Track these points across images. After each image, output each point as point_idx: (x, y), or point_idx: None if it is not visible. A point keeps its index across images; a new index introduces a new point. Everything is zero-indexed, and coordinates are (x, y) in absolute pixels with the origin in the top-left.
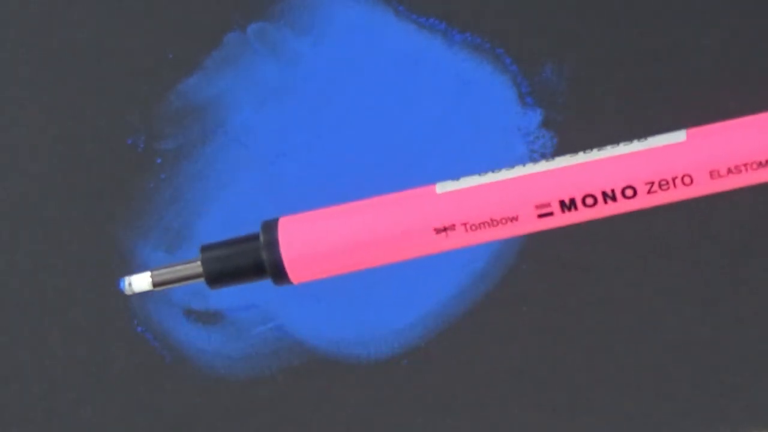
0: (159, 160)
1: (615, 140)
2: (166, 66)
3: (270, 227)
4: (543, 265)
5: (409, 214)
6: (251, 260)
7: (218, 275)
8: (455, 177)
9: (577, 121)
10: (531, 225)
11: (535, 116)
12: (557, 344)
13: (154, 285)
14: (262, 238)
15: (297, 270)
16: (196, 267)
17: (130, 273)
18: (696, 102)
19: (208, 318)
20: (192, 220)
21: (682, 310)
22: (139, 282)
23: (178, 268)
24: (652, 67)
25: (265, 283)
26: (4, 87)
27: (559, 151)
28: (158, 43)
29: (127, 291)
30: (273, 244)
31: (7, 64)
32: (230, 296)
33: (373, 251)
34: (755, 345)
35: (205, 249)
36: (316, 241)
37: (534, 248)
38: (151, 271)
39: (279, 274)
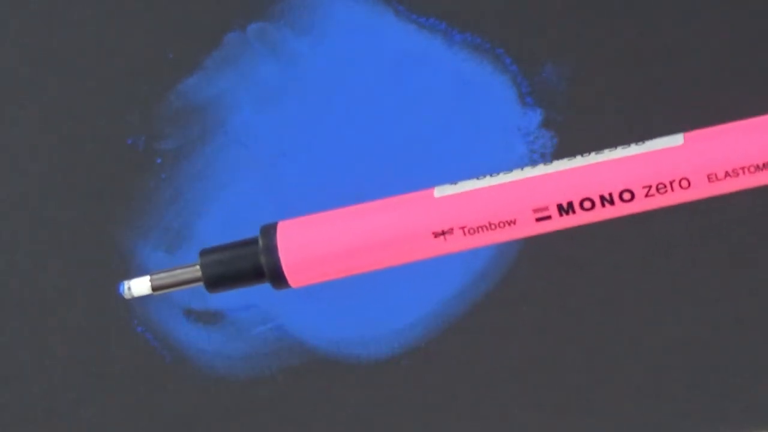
0: (159, 160)
1: (615, 140)
2: (166, 66)
3: (269, 231)
4: (543, 265)
5: (407, 218)
6: (250, 265)
7: (217, 279)
8: (455, 177)
9: (577, 121)
10: (529, 229)
11: (535, 116)
12: (557, 344)
13: (154, 289)
14: (260, 242)
15: (296, 274)
16: (195, 271)
17: (129, 273)
18: (696, 102)
19: (208, 318)
20: (192, 220)
21: (682, 310)
22: (139, 286)
23: (177, 272)
24: (652, 68)
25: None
26: (4, 87)
27: (559, 151)
28: (158, 43)
29: (127, 295)
30: (272, 249)
31: (7, 64)
32: (230, 296)
33: (371, 255)
34: (755, 345)
35: (204, 253)
36: (315, 246)
37: (534, 248)
38: (151, 275)
39: (278, 278)
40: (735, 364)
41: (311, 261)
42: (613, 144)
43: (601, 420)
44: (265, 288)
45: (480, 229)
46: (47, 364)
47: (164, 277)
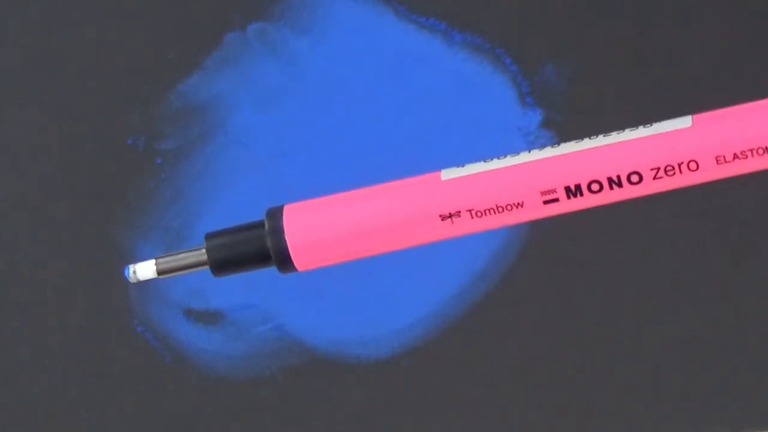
0: (159, 160)
1: None
2: (166, 66)
3: (275, 214)
4: (543, 265)
5: (414, 200)
6: (256, 248)
7: (223, 263)
8: None
9: (577, 121)
10: (536, 211)
11: (535, 116)
12: (557, 344)
13: (159, 273)
14: (266, 225)
15: (302, 257)
16: (201, 254)
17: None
18: (696, 102)
19: (208, 318)
20: (192, 220)
21: (682, 310)
22: (144, 270)
23: (183, 255)
24: (652, 68)
25: (266, 283)
26: (4, 87)
27: None
28: (158, 43)
29: (132, 279)
30: (278, 232)
31: (7, 64)
32: (230, 296)
33: (378, 238)
34: (755, 345)
35: (209, 236)
36: (321, 228)
37: (534, 248)
38: (156, 258)
39: (284, 261)
40: (735, 364)
41: (317, 244)
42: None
43: (601, 420)
44: (265, 288)
45: (487, 212)
46: (47, 364)
47: (169, 261)
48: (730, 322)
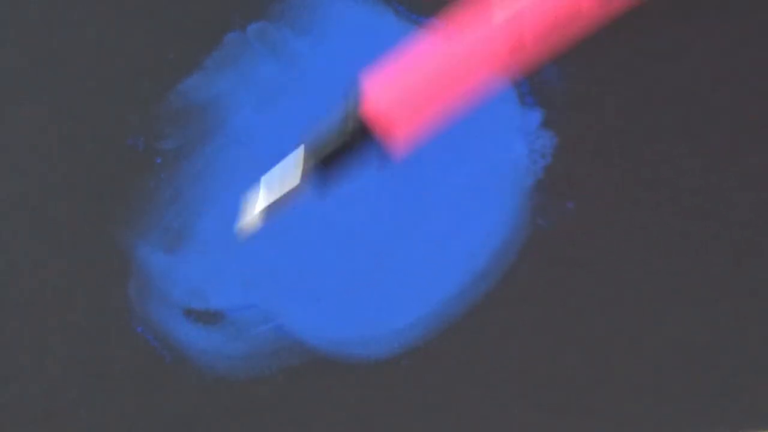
0: (159, 160)
1: (615, 140)
2: (166, 66)
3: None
4: (543, 265)
5: (477, 39)
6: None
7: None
8: (456, 178)
9: (577, 121)
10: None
11: (535, 116)
12: (557, 344)
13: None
14: (347, 99)
15: (389, 120)
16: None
17: (129, 273)
18: (696, 102)
19: (208, 318)
20: (192, 220)
21: (682, 310)
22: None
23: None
24: (652, 67)
25: (266, 283)
26: (4, 87)
27: (559, 150)
28: (158, 43)
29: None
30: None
31: (7, 64)
32: (230, 296)
33: (453, 76)
34: (755, 345)
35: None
36: (400, 87)
37: (534, 248)
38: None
39: (367, 130)
40: (735, 364)
41: (402, 103)
42: (613, 145)
43: (601, 420)
44: (265, 288)
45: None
46: (47, 364)
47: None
48: (731, 322)
